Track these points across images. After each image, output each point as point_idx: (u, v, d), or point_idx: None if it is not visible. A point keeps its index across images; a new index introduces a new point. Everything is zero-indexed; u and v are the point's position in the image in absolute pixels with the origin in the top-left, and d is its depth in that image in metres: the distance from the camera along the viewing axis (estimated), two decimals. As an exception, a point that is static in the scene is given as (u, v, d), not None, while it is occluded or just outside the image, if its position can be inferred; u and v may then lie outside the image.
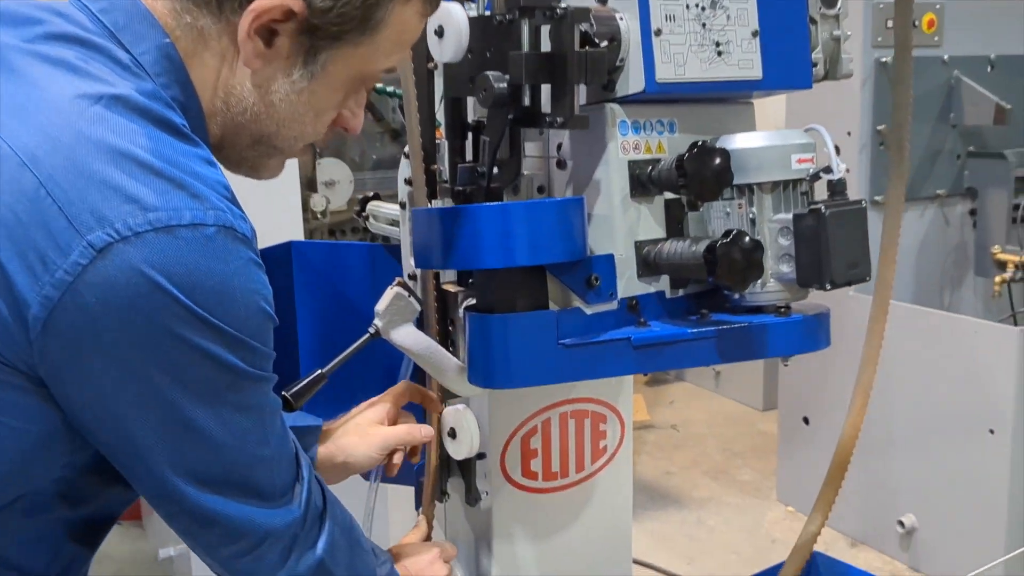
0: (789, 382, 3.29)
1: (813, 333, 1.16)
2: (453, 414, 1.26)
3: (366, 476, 1.27)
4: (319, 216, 2.90)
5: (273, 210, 2.39)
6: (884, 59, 2.81)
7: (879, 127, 2.84)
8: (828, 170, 1.12)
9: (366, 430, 1.20)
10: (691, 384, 4.80)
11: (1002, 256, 2.97)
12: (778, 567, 1.67)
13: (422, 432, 1.23)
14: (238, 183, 0.88)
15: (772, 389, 4.00)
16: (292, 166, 2.59)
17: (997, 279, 2.96)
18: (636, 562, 2.99)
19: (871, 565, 2.93)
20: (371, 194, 1.51)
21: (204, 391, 0.80)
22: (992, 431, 2.58)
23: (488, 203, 1.07)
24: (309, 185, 2.92)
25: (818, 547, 3.08)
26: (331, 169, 2.95)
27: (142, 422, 0.79)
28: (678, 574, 2.91)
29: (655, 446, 4.00)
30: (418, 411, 1.33)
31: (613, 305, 1.12)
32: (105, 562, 2.82)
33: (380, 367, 1.36)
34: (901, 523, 2.86)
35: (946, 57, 2.93)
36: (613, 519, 1.49)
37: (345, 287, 1.43)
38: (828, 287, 1.08)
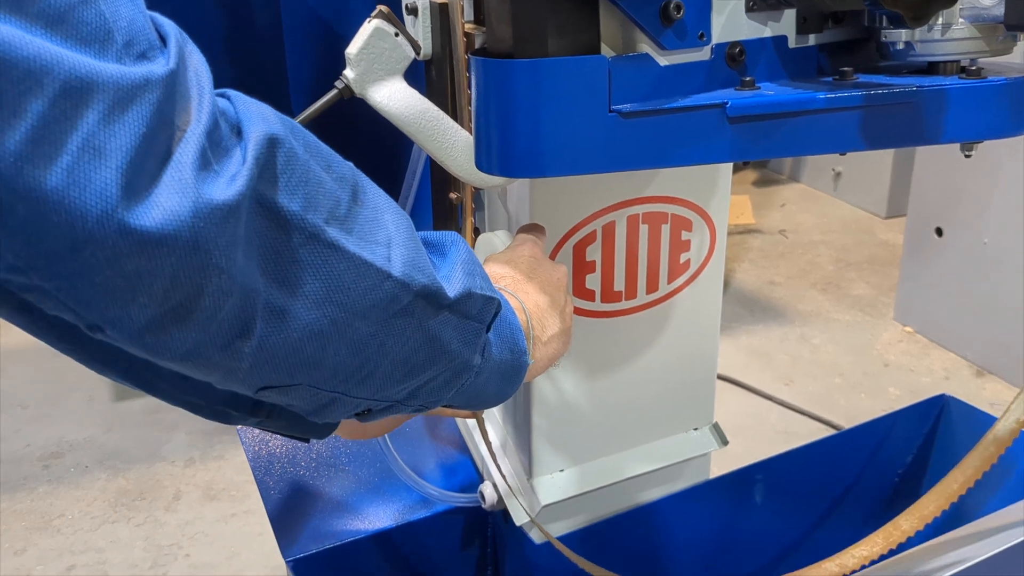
0: (923, 184, 2.88)
1: (1018, 107, 0.75)
2: (486, 243, 0.91)
3: None
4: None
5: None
6: None
7: None
8: None
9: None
10: (806, 186, 4.34)
11: None
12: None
13: None
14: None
15: (900, 193, 3.57)
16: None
17: None
18: (726, 379, 2.69)
19: (999, 397, 2.57)
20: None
21: None
22: None
23: None
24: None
25: (938, 375, 2.72)
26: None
27: None
28: (774, 395, 2.61)
29: (759, 253, 3.62)
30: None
31: (704, 54, 0.73)
32: None
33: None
34: (1040, 351, 2.48)
35: None
36: (691, 356, 1.16)
37: (346, 29, 1.07)
38: (1060, 29, 0.66)
